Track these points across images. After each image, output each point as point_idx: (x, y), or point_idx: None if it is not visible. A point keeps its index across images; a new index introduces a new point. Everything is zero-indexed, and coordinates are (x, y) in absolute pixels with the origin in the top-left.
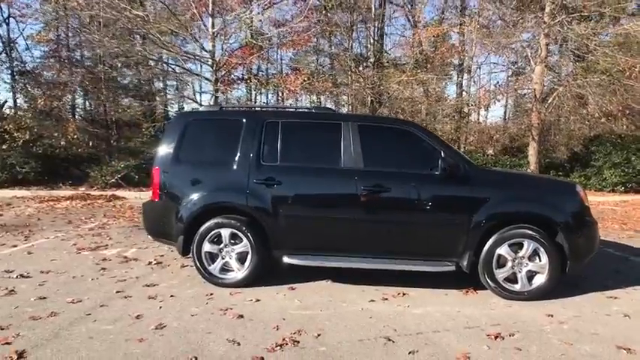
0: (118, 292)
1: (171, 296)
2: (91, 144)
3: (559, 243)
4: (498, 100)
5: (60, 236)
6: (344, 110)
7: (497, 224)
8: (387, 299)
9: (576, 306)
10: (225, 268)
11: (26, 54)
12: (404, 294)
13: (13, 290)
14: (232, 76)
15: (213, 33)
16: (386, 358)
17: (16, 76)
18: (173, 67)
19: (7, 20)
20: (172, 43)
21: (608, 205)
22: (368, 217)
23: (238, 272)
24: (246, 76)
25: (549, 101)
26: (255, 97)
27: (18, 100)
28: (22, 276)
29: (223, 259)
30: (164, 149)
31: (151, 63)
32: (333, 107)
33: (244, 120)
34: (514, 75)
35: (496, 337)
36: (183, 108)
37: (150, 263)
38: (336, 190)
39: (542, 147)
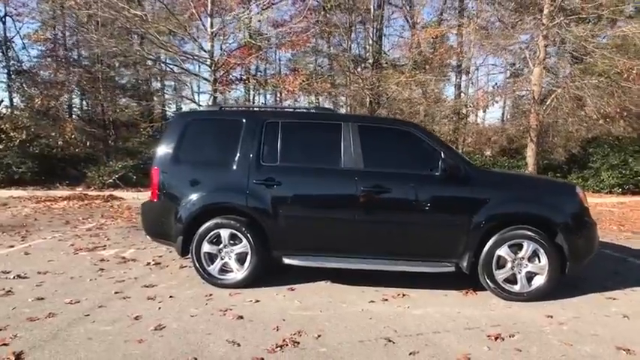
0: (116, 292)
1: (171, 297)
2: (88, 144)
3: (558, 244)
4: (496, 102)
5: (57, 237)
6: (342, 111)
7: (496, 225)
8: (386, 300)
9: (575, 307)
10: (224, 269)
11: (23, 53)
12: (404, 295)
13: (10, 291)
14: (231, 76)
15: (212, 33)
16: (386, 359)
17: (13, 76)
18: (171, 67)
19: (3, 19)
20: (170, 43)
21: (606, 207)
22: (368, 217)
23: (238, 273)
24: (244, 77)
25: (547, 103)
26: (254, 98)
27: (14, 100)
28: (19, 277)
29: (223, 259)
30: (163, 149)
31: (149, 63)
32: (332, 108)
33: (244, 120)
34: (512, 76)
35: (496, 338)
36: (181, 108)
37: (148, 264)
38: (336, 191)
39: (541, 148)
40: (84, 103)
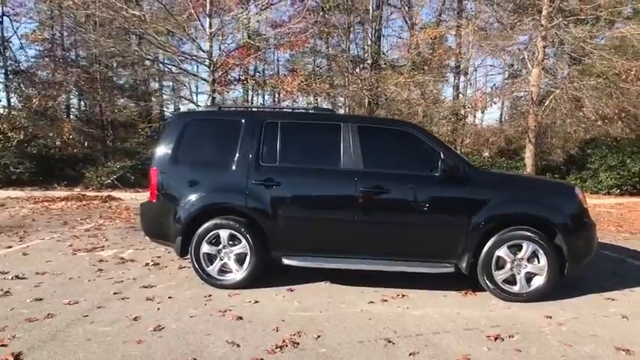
0: (115, 293)
1: (169, 298)
2: (86, 144)
3: (558, 245)
4: (495, 103)
5: (55, 237)
6: (341, 112)
7: (496, 226)
8: (386, 301)
9: (574, 307)
10: (223, 270)
11: (20, 53)
12: (403, 295)
13: (8, 292)
14: (229, 76)
15: (211, 33)
16: (386, 359)
17: (10, 76)
18: (169, 67)
19: (0, 19)
20: (169, 43)
21: (604, 208)
22: (367, 218)
23: (237, 273)
24: (243, 77)
25: (546, 104)
26: (252, 98)
27: (12, 100)
28: (17, 277)
29: (222, 260)
30: (162, 150)
31: (147, 63)
32: (331, 108)
33: (243, 121)
34: (510, 77)
35: (496, 339)
36: (179, 108)
37: (147, 264)
38: (336, 192)
39: (539, 149)
40: (82, 103)
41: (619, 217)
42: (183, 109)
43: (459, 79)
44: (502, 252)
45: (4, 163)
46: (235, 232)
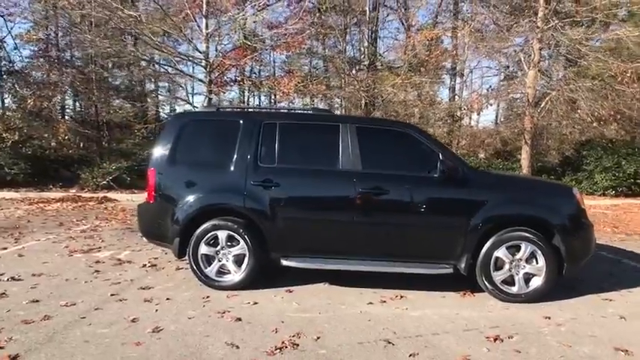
0: (112, 294)
1: (167, 299)
2: (81, 145)
3: (556, 245)
4: (491, 105)
5: (51, 238)
6: (337, 113)
7: (494, 227)
8: (385, 302)
9: (573, 308)
10: (221, 271)
11: (15, 53)
12: (401, 296)
13: (4, 293)
14: (226, 77)
15: (207, 34)
16: None
17: (5, 76)
18: (166, 68)
19: None
20: (165, 44)
21: (600, 209)
22: (366, 219)
23: (235, 275)
24: (239, 78)
25: (542, 105)
26: (248, 99)
27: (6, 101)
28: (13, 279)
29: (220, 261)
30: (160, 150)
31: (143, 64)
32: (329, 109)
33: (241, 121)
34: (506, 79)
35: (495, 340)
36: (175, 110)
37: (144, 266)
38: (335, 192)
39: (535, 151)
40: (77, 104)
41: (614, 219)
42: (179, 110)
43: (455, 81)
44: (501, 253)
45: None
46: (233, 233)
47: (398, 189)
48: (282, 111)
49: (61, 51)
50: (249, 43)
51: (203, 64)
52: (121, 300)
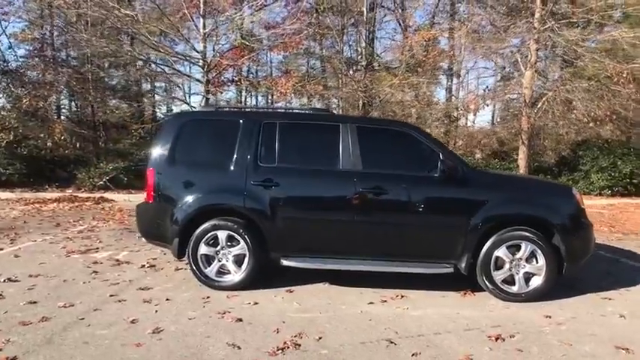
0: (111, 295)
1: (167, 300)
2: (78, 145)
3: (556, 245)
4: (487, 105)
5: (48, 239)
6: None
7: (494, 226)
8: (385, 301)
9: (573, 307)
10: (221, 271)
11: (9, 53)
12: (402, 296)
13: (1, 295)
14: (223, 77)
15: (205, 34)
16: None
17: None
18: (163, 68)
19: None
20: (162, 43)
21: (596, 209)
22: (366, 219)
23: (235, 275)
24: (236, 78)
25: (538, 106)
26: (245, 99)
27: (1, 100)
28: (9, 280)
29: (220, 261)
30: (159, 150)
31: (140, 64)
32: (329, 109)
33: (241, 121)
34: (502, 80)
35: (497, 339)
36: (172, 110)
37: (143, 266)
38: (335, 192)
39: (531, 151)
40: (73, 104)
41: (611, 218)
42: (176, 110)
43: (451, 82)
44: (501, 252)
45: None
46: (233, 233)
47: (398, 189)
48: (281, 110)
49: (56, 50)
50: (246, 43)
51: (200, 64)
52: (120, 301)
